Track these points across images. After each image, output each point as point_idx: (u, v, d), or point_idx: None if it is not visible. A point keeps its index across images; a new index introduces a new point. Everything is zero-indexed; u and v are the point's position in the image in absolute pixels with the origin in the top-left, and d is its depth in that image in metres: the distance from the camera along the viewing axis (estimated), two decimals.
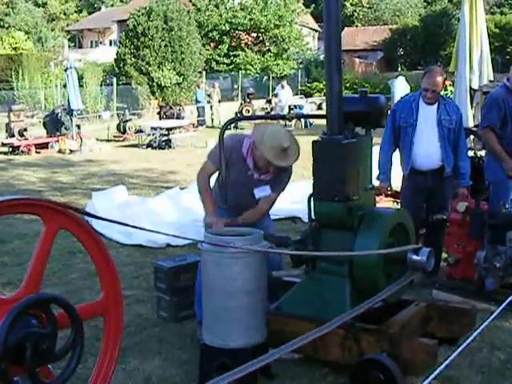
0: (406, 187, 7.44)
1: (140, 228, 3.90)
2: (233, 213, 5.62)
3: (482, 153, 8.47)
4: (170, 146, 22.87)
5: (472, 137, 9.55)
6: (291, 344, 2.77)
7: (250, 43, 50.14)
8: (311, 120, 28.35)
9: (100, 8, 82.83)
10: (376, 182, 6.86)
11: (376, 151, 5.61)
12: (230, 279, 4.60)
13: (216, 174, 5.73)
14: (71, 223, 3.90)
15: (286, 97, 31.46)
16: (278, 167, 5.38)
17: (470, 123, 10.20)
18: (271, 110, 32.26)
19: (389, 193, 7.89)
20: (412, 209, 6.64)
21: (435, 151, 7.16)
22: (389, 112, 7.08)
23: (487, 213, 6.72)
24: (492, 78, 10.87)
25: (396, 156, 7.48)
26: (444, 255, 7.39)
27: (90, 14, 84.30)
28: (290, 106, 30.39)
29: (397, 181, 7.66)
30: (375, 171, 6.24)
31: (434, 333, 5.30)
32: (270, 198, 5.63)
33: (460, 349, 2.74)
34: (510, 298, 3.81)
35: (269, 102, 34.59)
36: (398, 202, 9.81)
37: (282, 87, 32.07)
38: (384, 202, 9.79)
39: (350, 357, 4.84)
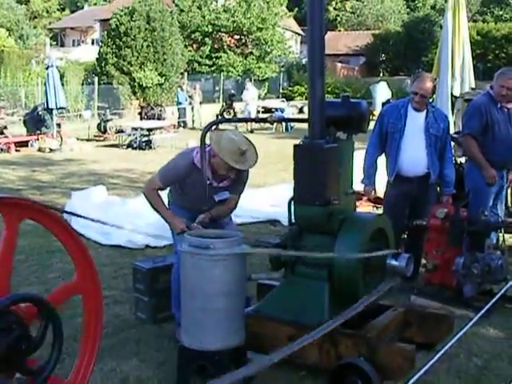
0: (391, 193, 7.43)
1: (118, 227, 3.87)
2: (193, 212, 5.73)
3: (463, 160, 8.51)
4: (150, 147, 22.83)
5: (453, 144, 9.59)
6: (286, 350, 2.69)
7: (232, 45, 50.10)
8: (292, 123, 28.40)
9: (83, 7, 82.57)
10: (358, 186, 6.88)
11: (357, 156, 5.61)
12: (209, 282, 4.59)
13: None
14: (31, 212, 3.86)
15: (250, 97, 31.30)
16: (239, 171, 5.51)
17: (451, 130, 10.24)
18: (241, 113, 32.24)
19: (371, 197, 7.89)
20: (395, 215, 6.69)
21: (422, 158, 7.20)
22: (371, 117, 7.05)
23: (466, 220, 6.75)
24: (474, 86, 10.92)
25: (381, 161, 7.50)
26: (423, 261, 7.41)
27: (72, 12, 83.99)
28: (271, 109, 30.43)
29: (380, 186, 7.67)
30: (358, 175, 6.25)
31: (413, 338, 5.31)
32: (233, 198, 5.87)
33: (438, 355, 2.75)
34: (488, 306, 3.83)
35: None
36: (377, 207, 9.84)
37: (246, 89, 31.87)
38: (364, 207, 9.82)
39: (328, 360, 4.84)
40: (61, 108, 23.76)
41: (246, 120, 18.46)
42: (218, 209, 5.78)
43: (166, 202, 5.94)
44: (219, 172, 5.57)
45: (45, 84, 24.00)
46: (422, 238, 7.26)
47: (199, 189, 5.55)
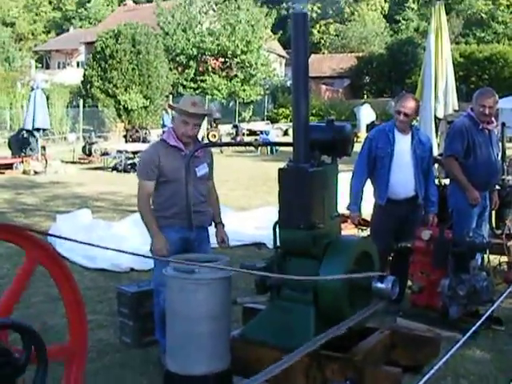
0: (380, 216, 7.43)
1: (105, 248, 3.82)
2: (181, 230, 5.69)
3: (447, 181, 8.55)
4: (135, 170, 22.71)
5: (437, 165, 9.63)
6: (263, 374, 2.65)
7: (217, 68, 50.31)
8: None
9: (68, 29, 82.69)
10: (343, 209, 6.88)
11: (342, 178, 5.61)
12: (194, 305, 4.57)
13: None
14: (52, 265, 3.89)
15: None
16: (194, 118, 5.78)
17: (435, 152, 10.28)
18: (236, 135, 32.17)
19: (356, 222, 7.88)
20: (384, 238, 6.72)
21: (410, 180, 7.27)
22: (355, 139, 7.08)
23: (451, 241, 6.76)
24: (457, 108, 10.98)
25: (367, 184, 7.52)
26: (409, 283, 7.41)
27: (58, 34, 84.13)
28: (256, 132, 30.48)
29: (364, 208, 7.67)
30: (343, 199, 6.25)
31: (399, 361, 5.29)
32: (212, 183, 6.27)
33: (425, 377, 2.74)
34: (475, 327, 3.83)
35: (235, 127, 34.66)
36: (362, 230, 9.84)
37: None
38: (349, 230, 9.82)
39: None
40: (41, 129, 23.46)
41: (231, 144, 18.42)
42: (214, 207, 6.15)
43: None
44: (180, 131, 5.80)
45: (27, 106, 23.89)
46: (408, 260, 7.28)
47: (177, 167, 5.68)
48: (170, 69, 45.63)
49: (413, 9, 77.25)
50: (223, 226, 6.18)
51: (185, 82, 48.59)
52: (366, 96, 59.19)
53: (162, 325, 5.09)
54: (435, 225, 7.34)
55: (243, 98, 49.79)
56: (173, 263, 4.75)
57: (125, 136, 32.60)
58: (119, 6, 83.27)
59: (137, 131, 32.33)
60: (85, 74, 41.87)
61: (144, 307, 6.29)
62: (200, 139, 6.49)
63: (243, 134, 35.34)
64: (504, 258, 8.21)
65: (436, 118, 10.79)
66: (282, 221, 5.08)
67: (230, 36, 48.77)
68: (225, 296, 4.69)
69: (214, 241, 6.18)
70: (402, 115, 7.18)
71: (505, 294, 4.79)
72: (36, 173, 21.94)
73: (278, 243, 5.18)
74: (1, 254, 9.66)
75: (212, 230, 6.16)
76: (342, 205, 6.67)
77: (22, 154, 22.96)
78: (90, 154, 26.37)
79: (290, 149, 5.15)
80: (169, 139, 5.85)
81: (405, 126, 7.28)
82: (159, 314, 5.57)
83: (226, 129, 35.49)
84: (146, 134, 31.98)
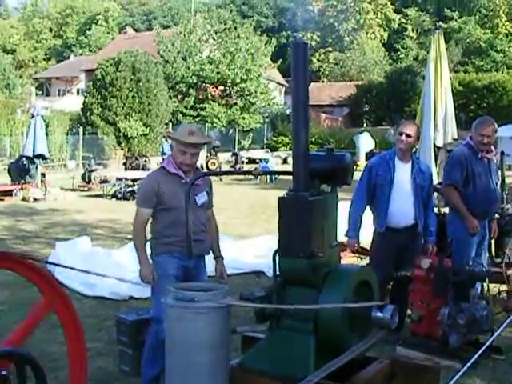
0: (380, 244, 7.45)
1: (104, 276, 3.84)
2: (183, 257, 5.72)
3: (446, 210, 8.56)
4: (134, 197, 22.69)
5: (436, 194, 9.64)
6: None
7: (216, 96, 50.47)
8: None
9: (69, 57, 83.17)
10: (343, 238, 6.88)
11: (341, 207, 5.62)
12: (193, 334, 4.55)
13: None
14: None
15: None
16: (192, 148, 5.77)
17: (435, 180, 10.28)
18: (236, 163, 32.18)
19: (355, 249, 7.89)
20: (383, 266, 6.72)
21: (410, 209, 7.29)
22: (355, 168, 7.10)
23: (451, 270, 6.75)
24: (456, 137, 10.97)
25: (365, 212, 7.52)
26: (408, 311, 7.39)
27: (58, 62, 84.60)
28: (255, 160, 30.53)
29: (363, 236, 7.67)
30: (343, 227, 6.25)
31: None
32: (212, 212, 6.21)
33: None
34: (475, 357, 3.81)
35: (234, 155, 34.70)
36: (362, 258, 9.83)
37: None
38: (348, 258, 9.81)
39: None
40: (40, 156, 23.41)
41: (230, 173, 18.52)
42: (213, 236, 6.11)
43: (149, 253, 5.92)
44: (179, 160, 5.78)
45: (27, 133, 23.87)
46: (407, 288, 7.26)
47: (177, 195, 5.67)
48: (170, 97, 45.78)
49: (412, 38, 77.77)
50: (222, 259, 6.16)
51: (184, 110, 48.69)
52: (365, 124, 59.43)
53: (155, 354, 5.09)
54: (434, 254, 7.34)
55: (243, 126, 49.92)
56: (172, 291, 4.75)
57: (124, 163, 32.57)
58: (119, 33, 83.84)
59: (136, 159, 32.31)
60: (85, 102, 42.03)
61: (143, 335, 6.25)
62: (199, 167, 6.47)
63: (242, 162, 35.37)
64: (504, 287, 8.19)
65: (435, 146, 10.79)
66: (282, 249, 5.08)
67: (229, 64, 48.97)
68: (224, 325, 4.68)
69: (210, 269, 6.15)
70: (404, 136, 7.21)
71: (505, 324, 4.78)
72: (35, 200, 21.90)
73: (278, 272, 5.18)
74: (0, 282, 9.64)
75: (208, 258, 6.13)
76: (342, 233, 6.68)
77: (22, 181, 22.95)
78: (89, 182, 26.38)
79: (290, 177, 5.17)
80: (169, 167, 5.84)
81: (406, 151, 7.31)
82: (156, 343, 5.55)
83: (225, 157, 35.53)
84: (145, 161, 31.94)
